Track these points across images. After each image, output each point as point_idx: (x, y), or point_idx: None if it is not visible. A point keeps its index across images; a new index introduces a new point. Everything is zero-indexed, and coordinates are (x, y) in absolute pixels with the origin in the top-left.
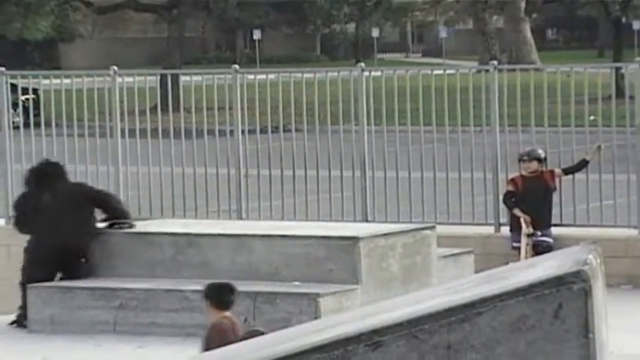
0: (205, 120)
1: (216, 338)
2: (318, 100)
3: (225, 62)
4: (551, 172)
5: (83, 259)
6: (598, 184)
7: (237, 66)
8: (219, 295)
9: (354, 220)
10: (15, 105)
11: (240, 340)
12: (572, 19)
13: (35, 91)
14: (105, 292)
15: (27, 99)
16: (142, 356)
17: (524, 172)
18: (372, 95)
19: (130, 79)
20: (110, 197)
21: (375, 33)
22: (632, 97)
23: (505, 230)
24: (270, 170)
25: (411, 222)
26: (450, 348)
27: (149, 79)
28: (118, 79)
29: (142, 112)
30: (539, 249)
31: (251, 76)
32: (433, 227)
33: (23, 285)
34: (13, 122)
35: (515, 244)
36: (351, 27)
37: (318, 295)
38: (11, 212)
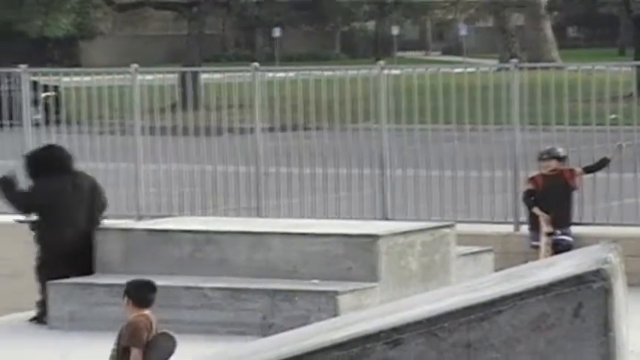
0: (225, 118)
1: (127, 335)
2: (338, 98)
3: (245, 60)
4: (572, 170)
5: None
6: (619, 182)
7: (256, 64)
8: (139, 293)
9: (374, 219)
10: (36, 102)
11: (150, 340)
12: (593, 17)
13: (56, 88)
14: (123, 289)
15: (48, 96)
16: None
17: (543, 171)
18: (392, 93)
19: (149, 77)
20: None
21: (395, 31)
22: None
23: (524, 229)
24: (290, 168)
25: (430, 220)
26: (470, 346)
27: (169, 77)
28: (138, 77)
29: (162, 110)
30: (559, 248)
31: (270, 74)
32: (452, 225)
33: (43, 281)
34: (34, 119)
35: (534, 243)
36: (370, 25)
37: (336, 292)
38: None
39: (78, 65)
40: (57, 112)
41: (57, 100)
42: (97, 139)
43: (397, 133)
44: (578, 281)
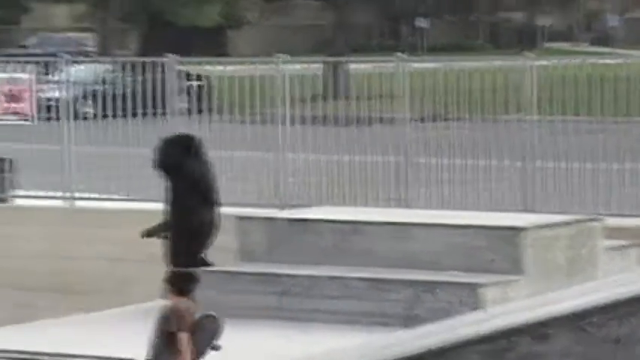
0: (369, 108)
1: (174, 320)
2: (483, 89)
3: (389, 50)
4: None
5: None
6: None
7: (401, 54)
8: (183, 283)
9: (516, 211)
10: (184, 91)
11: (196, 323)
12: None
13: (205, 77)
14: (268, 278)
15: (197, 85)
16: (306, 342)
17: None
18: (539, 85)
19: (296, 67)
20: None
21: (542, 21)
22: None
23: None
24: (433, 159)
25: (571, 213)
26: (619, 342)
27: (315, 67)
28: (284, 67)
29: (307, 100)
30: None
31: (416, 65)
32: (600, 219)
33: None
34: (181, 108)
35: None
36: (517, 15)
37: (479, 285)
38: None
39: (225, 55)
40: (204, 101)
41: (204, 89)
42: (241, 128)
43: (543, 125)
44: None
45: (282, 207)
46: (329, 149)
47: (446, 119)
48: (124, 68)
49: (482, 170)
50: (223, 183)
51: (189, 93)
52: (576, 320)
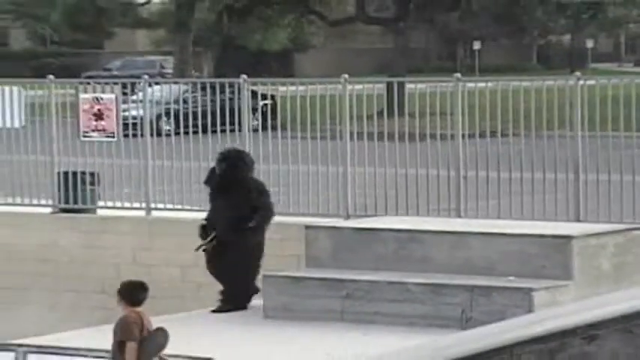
0: (428, 125)
1: (120, 330)
2: (535, 107)
3: (446, 71)
4: None
5: None
6: None
7: (458, 74)
8: (132, 294)
9: (567, 220)
10: (254, 110)
11: (147, 335)
12: None
13: (272, 97)
14: (333, 283)
15: (265, 104)
16: (368, 343)
17: None
18: (587, 102)
19: (358, 87)
20: None
21: (590, 44)
22: None
23: None
24: (488, 172)
25: (622, 223)
26: None
27: (376, 87)
28: (348, 87)
29: (370, 117)
30: None
31: (471, 84)
32: None
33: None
34: (253, 125)
35: None
36: (566, 38)
37: (531, 289)
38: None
39: (292, 76)
40: (273, 119)
41: (273, 107)
42: (308, 144)
43: (591, 140)
44: None
45: (346, 217)
46: (390, 163)
47: (501, 135)
48: (200, 88)
49: (534, 183)
50: (291, 195)
51: (255, 110)
52: (625, 322)
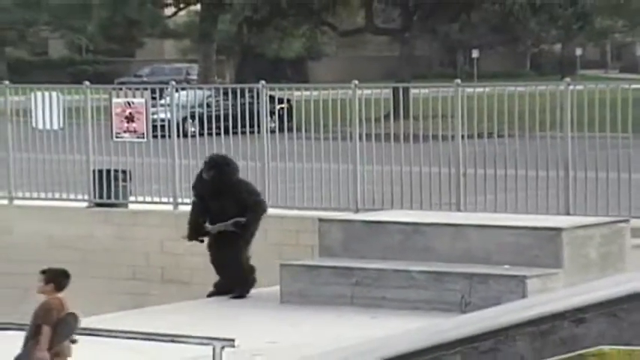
0: (431, 126)
1: (41, 314)
2: (528, 110)
3: (447, 77)
4: None
5: None
6: None
7: (458, 80)
8: (60, 280)
9: (557, 214)
10: (272, 113)
11: (60, 318)
12: None
13: (288, 101)
14: (344, 271)
15: (282, 108)
16: (375, 326)
17: None
18: (576, 106)
19: (367, 92)
20: None
21: (579, 52)
22: None
23: None
24: (486, 170)
25: (607, 216)
26: None
27: (383, 92)
28: (358, 92)
29: (377, 120)
30: None
31: (470, 89)
32: (627, 220)
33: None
34: (270, 127)
35: None
36: (557, 47)
37: (525, 277)
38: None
39: (306, 82)
40: (289, 121)
41: (289, 111)
42: (321, 144)
43: (580, 141)
44: None
45: (355, 210)
46: (396, 161)
47: (497, 136)
48: (222, 93)
49: (528, 179)
50: (305, 191)
51: (273, 113)
52: (610, 307)
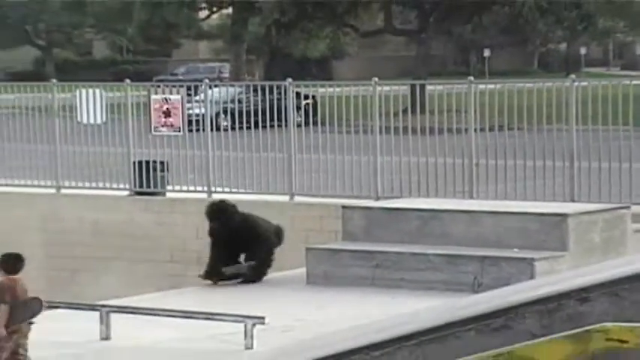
0: (445, 120)
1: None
2: (536, 105)
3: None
4: None
5: None
6: None
7: (471, 78)
8: (10, 263)
9: (563, 201)
10: (298, 108)
11: (23, 301)
12: None
13: (313, 97)
14: (366, 254)
15: (307, 103)
16: (394, 305)
17: None
18: (580, 101)
19: (386, 88)
20: None
21: (583, 51)
22: None
23: None
24: (497, 160)
25: (610, 202)
26: None
27: (401, 89)
28: (378, 88)
29: (396, 114)
30: None
31: (482, 86)
32: (628, 207)
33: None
34: (297, 121)
35: None
36: (562, 46)
37: (533, 259)
38: None
39: (330, 79)
40: (314, 116)
41: (314, 106)
42: (343, 137)
43: (584, 133)
44: None
45: (376, 198)
46: (413, 153)
47: (507, 129)
48: (252, 90)
49: (536, 169)
50: (330, 180)
51: (299, 109)
52: (612, 287)
